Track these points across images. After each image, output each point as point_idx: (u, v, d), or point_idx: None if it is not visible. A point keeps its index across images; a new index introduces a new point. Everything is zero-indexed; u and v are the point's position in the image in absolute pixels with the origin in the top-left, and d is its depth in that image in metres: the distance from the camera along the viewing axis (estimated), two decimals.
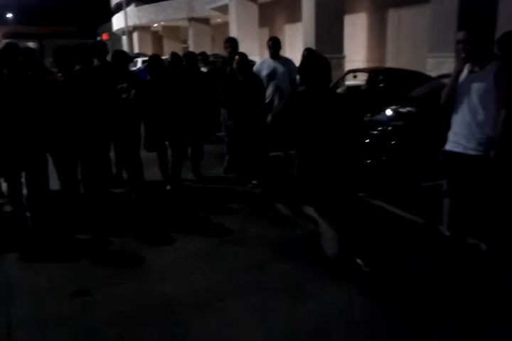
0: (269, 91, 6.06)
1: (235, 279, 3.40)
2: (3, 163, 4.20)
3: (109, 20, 43.24)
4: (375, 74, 8.85)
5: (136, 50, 32.52)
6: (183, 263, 3.67)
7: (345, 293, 3.16)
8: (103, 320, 2.92)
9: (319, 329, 2.79)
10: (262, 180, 5.57)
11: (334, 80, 9.10)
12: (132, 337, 2.78)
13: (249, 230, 4.29)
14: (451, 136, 3.48)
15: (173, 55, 6.52)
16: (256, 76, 5.71)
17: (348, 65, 13.74)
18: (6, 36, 33.21)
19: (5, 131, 4.07)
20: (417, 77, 8.42)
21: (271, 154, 6.36)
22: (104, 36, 44.02)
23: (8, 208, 4.59)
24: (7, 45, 4.14)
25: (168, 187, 5.42)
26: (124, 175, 5.49)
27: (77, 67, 4.64)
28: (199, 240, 4.11)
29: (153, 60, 5.27)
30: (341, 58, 14.15)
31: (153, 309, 3.02)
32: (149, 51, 27.98)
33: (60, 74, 4.54)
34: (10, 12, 56.05)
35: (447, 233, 3.71)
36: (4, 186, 4.72)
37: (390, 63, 14.71)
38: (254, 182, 5.51)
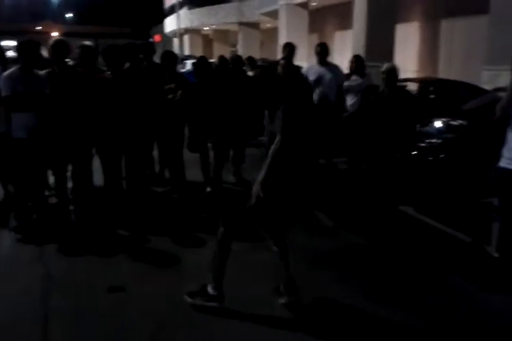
0: (314, 97, 5.99)
1: (268, 285, 3.34)
2: (52, 156, 4.33)
3: (161, 22, 44.31)
4: (425, 84, 8.61)
5: (187, 52, 33.10)
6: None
7: (383, 309, 3.05)
8: (136, 317, 2.93)
9: None
10: None
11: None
12: (164, 335, 2.78)
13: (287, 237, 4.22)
14: (506, 152, 3.31)
15: (221, 58, 6.58)
16: (304, 81, 5.65)
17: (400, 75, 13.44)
18: (64, 35, 34.58)
19: (54, 125, 4.19)
20: (470, 89, 8.14)
21: None
22: (157, 38, 45.06)
23: (53, 200, 4.72)
24: (56, 41, 4.26)
25: (209, 189, 5.43)
26: (167, 174, 5.54)
27: (127, 66, 4.73)
28: (235, 243, 4.07)
29: (200, 62, 5.31)
30: None
31: (186, 309, 3.01)
32: (199, 53, 28.42)
33: (109, 73, 4.64)
34: (70, 12, 58.52)
35: (496, 254, 3.53)
36: (52, 179, 4.86)
37: (441, 74, 14.31)
38: None
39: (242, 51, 26.40)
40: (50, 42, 4.21)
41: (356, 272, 3.59)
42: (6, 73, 4.04)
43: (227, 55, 9.68)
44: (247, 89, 5.72)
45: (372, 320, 2.96)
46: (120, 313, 2.98)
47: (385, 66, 4.91)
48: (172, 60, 5.24)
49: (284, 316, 2.99)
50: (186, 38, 37.24)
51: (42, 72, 4.19)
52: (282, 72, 5.45)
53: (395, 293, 3.30)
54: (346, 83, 5.79)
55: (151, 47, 5.68)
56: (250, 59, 7.78)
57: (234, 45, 32.62)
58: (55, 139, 4.21)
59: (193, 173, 5.54)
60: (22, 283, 3.36)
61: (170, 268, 3.63)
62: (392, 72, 4.79)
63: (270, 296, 3.17)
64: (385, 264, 3.73)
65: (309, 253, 3.89)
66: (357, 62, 5.92)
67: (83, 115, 4.34)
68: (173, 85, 5.04)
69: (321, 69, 6.04)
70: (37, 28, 38.22)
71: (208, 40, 37.73)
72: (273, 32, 25.20)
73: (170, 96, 4.99)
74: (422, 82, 8.82)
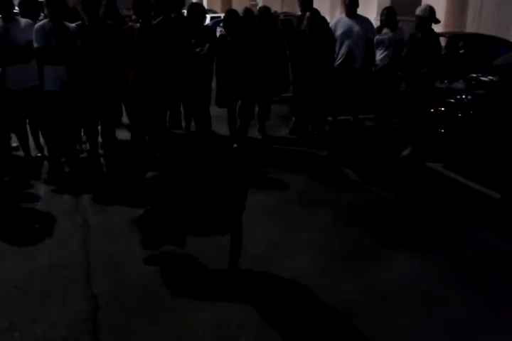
0: (342, 51, 5.87)
1: (298, 238, 3.43)
2: (84, 110, 4.37)
3: None
4: (455, 39, 8.32)
5: (206, 7, 32.14)
6: (248, 218, 3.72)
7: (413, 260, 3.13)
8: (169, 262, 3.06)
9: (383, 296, 2.77)
10: (328, 143, 5.51)
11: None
12: (192, 282, 2.90)
13: (313, 192, 4.29)
14: None
15: (246, 10, 6.37)
16: (329, 35, 5.53)
17: None
18: None
19: (86, 78, 4.21)
20: (502, 45, 7.86)
21: (340, 118, 6.25)
22: None
23: (84, 154, 4.82)
24: None
25: (235, 145, 5.46)
26: (193, 128, 5.57)
27: (159, 19, 4.66)
28: (263, 197, 4.14)
29: (230, 16, 5.16)
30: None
31: (219, 258, 3.08)
32: (218, 8, 27.59)
33: (137, 24, 4.59)
34: None
35: None
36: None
37: (470, 29, 13.76)
38: (316, 145, 5.46)
39: (262, 4, 25.52)
40: None
41: (385, 225, 3.64)
42: (38, 24, 4.02)
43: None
44: (274, 44, 5.60)
45: (403, 271, 3.03)
46: (154, 259, 3.10)
47: (418, 9, 4.79)
48: (200, 12, 5.13)
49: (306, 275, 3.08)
50: None
51: (72, 25, 4.16)
52: (307, 26, 5.36)
53: (424, 246, 3.36)
54: (376, 37, 5.63)
55: (181, 0, 5.54)
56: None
57: None
58: (86, 92, 4.24)
59: (220, 128, 5.56)
60: (61, 231, 3.50)
61: None
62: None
63: None
64: (413, 218, 3.78)
65: (337, 207, 3.94)
66: (388, 14, 5.71)
67: (113, 68, 4.33)
68: (199, 39, 4.96)
69: (350, 22, 5.87)
70: None
71: None
72: None
73: (197, 50, 4.93)
74: (452, 37, 8.52)
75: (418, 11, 4.77)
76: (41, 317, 2.55)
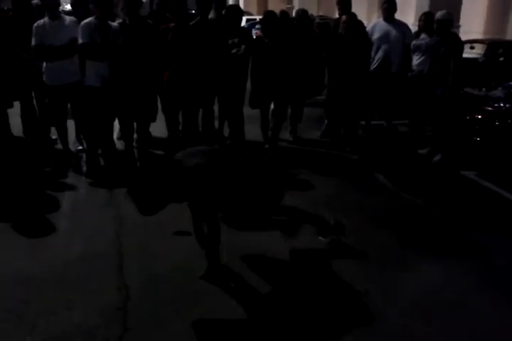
0: (378, 55, 5.85)
1: (328, 241, 3.43)
2: (122, 106, 4.48)
3: None
4: (494, 46, 8.18)
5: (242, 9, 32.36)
6: (277, 220, 3.77)
7: (443, 267, 3.10)
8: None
9: (409, 302, 2.75)
10: (360, 147, 5.49)
11: None
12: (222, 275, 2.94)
13: (344, 195, 4.28)
14: None
15: (283, 13, 6.40)
16: (365, 39, 5.52)
17: (463, 37, 12.72)
18: None
19: (126, 75, 4.32)
20: None
21: (373, 122, 6.22)
22: None
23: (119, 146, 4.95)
24: None
25: (267, 146, 5.50)
26: (226, 129, 5.63)
27: (196, 19, 4.75)
28: (293, 199, 4.16)
29: (268, 17, 5.20)
30: (456, 28, 13.15)
31: (245, 260, 3.13)
32: (254, 10, 27.75)
33: (173, 24, 4.67)
34: None
35: None
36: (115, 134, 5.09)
37: (511, 36, 13.45)
38: (348, 148, 5.46)
39: (298, 8, 25.55)
40: None
41: (414, 231, 3.62)
42: (84, 21, 4.16)
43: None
44: (311, 47, 5.61)
45: (431, 277, 3.01)
46: (188, 253, 3.16)
47: (438, 14, 5.00)
48: (237, 14, 5.19)
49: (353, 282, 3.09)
50: None
51: (115, 24, 4.29)
52: (344, 29, 5.35)
53: (453, 252, 3.32)
54: (414, 42, 5.58)
55: (222, 1, 5.62)
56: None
57: (290, 2, 31.58)
58: (125, 89, 4.35)
59: (252, 129, 5.61)
60: (96, 223, 3.61)
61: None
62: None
63: None
64: (442, 224, 3.74)
65: (367, 212, 3.93)
66: (426, 19, 5.65)
67: (150, 66, 4.44)
68: (236, 40, 5.02)
69: (387, 27, 5.85)
70: None
71: None
72: None
73: (233, 51, 4.99)
74: (491, 44, 8.39)
75: (437, 16, 4.98)
76: (75, 304, 2.64)
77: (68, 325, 2.49)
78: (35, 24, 4.37)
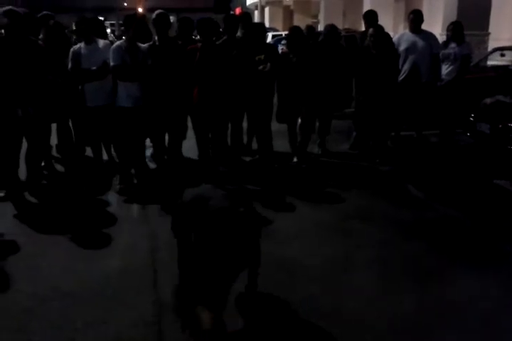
0: (405, 66, 5.84)
1: (360, 254, 3.41)
2: (152, 125, 4.61)
3: None
4: None
5: (267, 25, 32.83)
6: (308, 231, 3.78)
7: (474, 279, 3.04)
8: None
9: (442, 314, 2.70)
10: (390, 158, 5.45)
11: (475, 60, 8.42)
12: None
13: (375, 208, 4.25)
14: None
15: (309, 28, 6.48)
16: (392, 50, 5.52)
17: (493, 44, 12.55)
18: (148, 10, 35.67)
19: (156, 95, 4.45)
20: None
21: (402, 133, 6.18)
22: (237, 10, 44.91)
23: (151, 166, 5.06)
24: (158, 15, 4.48)
25: (295, 159, 5.53)
26: (254, 144, 5.70)
27: (224, 38, 4.87)
28: (324, 212, 4.17)
29: (294, 33, 5.27)
30: (485, 35, 12.99)
31: (277, 271, 3.14)
32: (280, 26, 28.13)
33: (200, 44, 4.79)
34: None
35: None
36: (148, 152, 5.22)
37: None
38: (377, 160, 5.42)
39: (323, 22, 25.73)
40: (153, 15, 4.43)
41: (447, 243, 3.55)
42: (115, 44, 4.34)
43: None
44: (339, 61, 5.64)
45: (464, 290, 2.95)
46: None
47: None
48: (262, 31, 5.29)
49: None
50: (267, 10, 36.82)
51: (144, 45, 4.45)
52: (371, 42, 5.37)
53: (487, 264, 3.24)
54: (443, 51, 5.55)
55: (249, 19, 5.75)
56: (310, 28, 7.14)
57: (315, 16, 31.82)
58: (156, 108, 4.48)
59: (280, 144, 5.65)
60: (130, 239, 3.69)
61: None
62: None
63: None
64: (476, 236, 3.67)
65: (398, 223, 3.89)
66: (454, 29, 5.64)
67: (180, 85, 4.56)
68: (262, 56, 5.11)
69: (414, 37, 5.85)
70: (124, 4, 39.84)
71: (288, 12, 37.02)
72: (357, 1, 24.23)
73: (260, 68, 5.08)
74: None
75: None
76: (111, 318, 2.70)
77: (105, 338, 2.54)
78: (72, 49, 4.62)
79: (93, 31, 4.76)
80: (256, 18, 37.46)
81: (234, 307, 2.70)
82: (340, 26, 18.11)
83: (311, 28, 6.45)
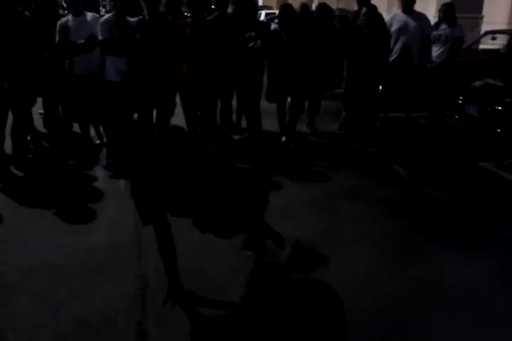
0: (397, 46, 5.81)
1: (345, 232, 3.45)
2: (140, 100, 4.56)
3: None
4: None
5: (260, 3, 32.31)
6: (295, 209, 3.80)
7: (461, 259, 3.10)
8: (218, 246, 3.17)
9: (427, 293, 2.74)
10: (378, 139, 5.48)
11: (467, 43, 8.39)
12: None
13: (362, 187, 4.29)
14: None
15: (303, 6, 6.37)
16: (384, 31, 5.48)
17: (486, 27, 12.51)
18: None
19: (144, 70, 4.39)
20: None
21: (391, 115, 6.19)
22: None
23: None
24: None
25: (284, 139, 5.53)
26: (243, 123, 5.68)
27: (214, 14, 4.79)
28: (312, 190, 4.20)
29: (285, 11, 5.20)
30: (478, 18, 12.93)
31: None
32: (273, 4, 27.67)
33: (190, 19, 4.71)
34: None
35: None
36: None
37: None
38: (365, 141, 5.45)
39: (318, 1, 25.38)
40: None
41: (433, 223, 3.61)
42: (103, 18, 4.25)
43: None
44: (330, 40, 5.59)
45: (450, 270, 3.01)
46: (202, 243, 3.18)
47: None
48: (253, 7, 5.20)
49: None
50: None
51: (133, 19, 4.36)
52: (364, 21, 5.32)
53: (473, 244, 3.31)
54: (434, 32, 5.52)
55: None
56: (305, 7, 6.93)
57: None
58: (144, 83, 4.43)
59: (269, 123, 5.64)
60: (115, 214, 3.70)
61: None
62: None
63: None
64: (462, 216, 3.72)
65: (385, 203, 3.94)
66: (446, 10, 5.60)
67: (169, 60, 4.50)
68: (253, 33, 5.03)
69: (406, 18, 5.80)
70: None
71: None
72: None
73: (250, 45, 5.01)
74: None
75: None
76: (96, 291, 2.73)
77: (90, 310, 2.57)
78: (59, 22, 4.51)
79: (85, 3, 4.66)
80: None
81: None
82: (334, 6, 17.90)
83: (306, 7, 6.34)
